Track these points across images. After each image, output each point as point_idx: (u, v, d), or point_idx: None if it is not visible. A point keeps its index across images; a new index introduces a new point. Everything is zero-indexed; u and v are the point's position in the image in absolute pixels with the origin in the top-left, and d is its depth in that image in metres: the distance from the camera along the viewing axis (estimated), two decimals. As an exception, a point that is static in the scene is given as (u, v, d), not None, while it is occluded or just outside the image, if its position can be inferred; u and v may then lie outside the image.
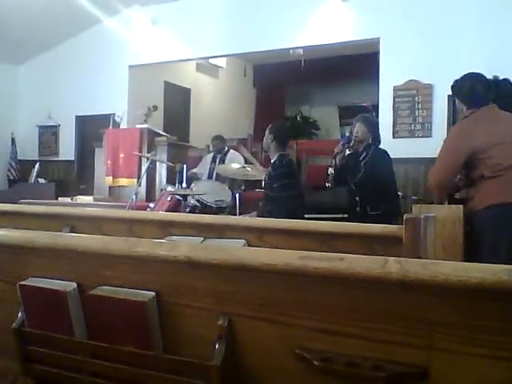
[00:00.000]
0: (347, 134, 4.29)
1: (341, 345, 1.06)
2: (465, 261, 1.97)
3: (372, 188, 3.86)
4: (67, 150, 8.80)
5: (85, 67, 8.22)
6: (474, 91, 2.90)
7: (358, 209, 3.98)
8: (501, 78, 3.20)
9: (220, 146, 6.46)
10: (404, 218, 1.80)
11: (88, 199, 6.29)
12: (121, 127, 7.29)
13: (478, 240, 2.65)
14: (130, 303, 1.23)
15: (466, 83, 2.94)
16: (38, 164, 8.38)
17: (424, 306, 0.97)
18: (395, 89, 6.21)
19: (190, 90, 9.54)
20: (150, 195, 6.38)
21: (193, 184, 5.50)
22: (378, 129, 4.15)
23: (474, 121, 2.88)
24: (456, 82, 3.02)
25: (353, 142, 3.99)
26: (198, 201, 5.02)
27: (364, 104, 5.55)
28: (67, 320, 1.32)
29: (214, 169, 6.17)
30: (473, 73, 2.99)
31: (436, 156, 3.01)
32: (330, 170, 4.16)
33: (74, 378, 1.36)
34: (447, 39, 5.85)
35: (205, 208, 4.94)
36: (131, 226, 2.38)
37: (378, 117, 5.88)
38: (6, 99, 8.67)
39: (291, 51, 8.51)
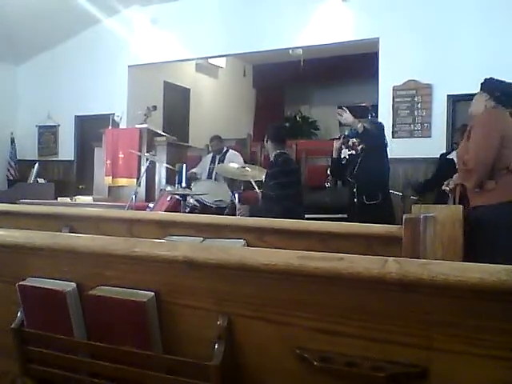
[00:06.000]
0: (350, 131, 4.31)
1: (340, 345, 1.05)
2: (464, 261, 1.97)
3: (368, 177, 3.88)
4: (66, 150, 8.81)
5: (84, 67, 8.23)
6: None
7: (355, 200, 4.00)
8: (501, 78, 3.23)
9: (219, 147, 6.46)
10: (404, 218, 1.79)
11: (87, 199, 6.28)
12: (120, 127, 7.28)
13: (488, 235, 2.64)
14: (129, 303, 1.22)
15: (510, 87, 3.16)
16: (37, 164, 8.36)
17: (424, 306, 0.97)
18: (394, 89, 6.21)
19: (189, 90, 9.54)
20: (149, 195, 6.37)
21: (192, 184, 5.50)
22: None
23: (502, 113, 3.06)
24: (496, 80, 3.19)
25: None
26: (197, 201, 5.02)
27: (363, 104, 5.55)
28: (66, 320, 1.32)
29: (213, 169, 6.17)
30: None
31: (436, 156, 3.02)
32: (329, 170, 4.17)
33: (74, 378, 1.36)
34: (447, 39, 5.85)
35: (204, 208, 4.93)
36: (131, 226, 2.38)
37: (377, 117, 5.89)
38: (5, 99, 8.67)
39: (291, 51, 8.52)
